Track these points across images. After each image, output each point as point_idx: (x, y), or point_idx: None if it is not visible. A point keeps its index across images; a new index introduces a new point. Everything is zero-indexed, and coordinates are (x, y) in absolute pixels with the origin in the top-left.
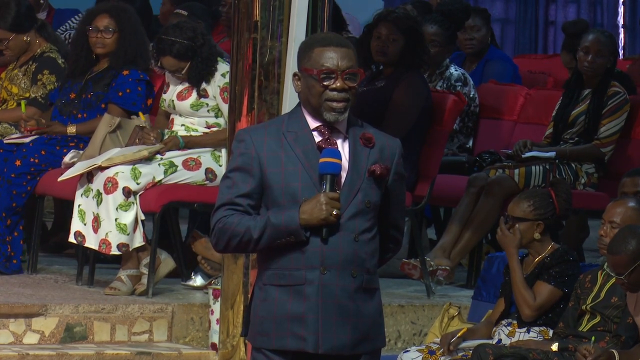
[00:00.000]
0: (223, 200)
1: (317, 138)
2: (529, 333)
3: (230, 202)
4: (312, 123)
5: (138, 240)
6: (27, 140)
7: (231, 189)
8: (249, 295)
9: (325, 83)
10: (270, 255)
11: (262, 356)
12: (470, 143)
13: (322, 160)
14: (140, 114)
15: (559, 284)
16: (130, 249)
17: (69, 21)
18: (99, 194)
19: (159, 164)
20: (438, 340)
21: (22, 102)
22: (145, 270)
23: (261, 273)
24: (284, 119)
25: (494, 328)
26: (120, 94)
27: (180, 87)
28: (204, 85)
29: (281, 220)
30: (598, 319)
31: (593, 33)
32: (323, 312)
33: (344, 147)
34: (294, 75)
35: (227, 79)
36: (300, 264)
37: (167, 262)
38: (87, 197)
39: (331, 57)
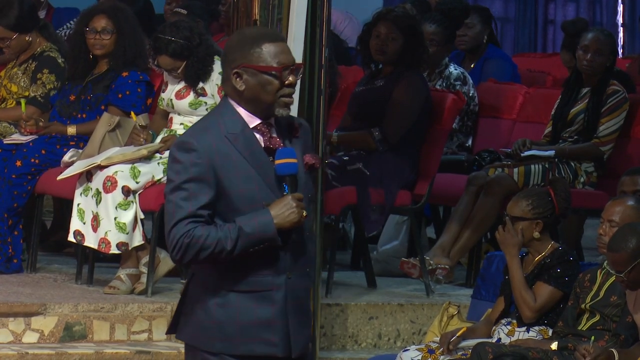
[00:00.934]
0: (183, 213)
1: (258, 137)
2: (528, 332)
3: (193, 214)
4: (251, 122)
5: (137, 239)
6: (26, 139)
7: (189, 201)
8: (184, 291)
9: (283, 79)
10: (230, 261)
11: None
12: (470, 142)
13: (279, 161)
14: (132, 113)
15: (560, 284)
16: (130, 248)
17: (69, 22)
18: (98, 193)
19: (158, 163)
20: (437, 339)
21: (22, 101)
22: (144, 269)
23: (214, 277)
24: (218, 121)
25: (494, 327)
26: (119, 95)
27: (178, 86)
28: (201, 84)
29: (255, 228)
30: (597, 317)
31: (592, 32)
32: (290, 315)
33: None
34: (234, 73)
35: None
36: (267, 270)
37: (166, 261)
38: (87, 196)
39: (284, 52)
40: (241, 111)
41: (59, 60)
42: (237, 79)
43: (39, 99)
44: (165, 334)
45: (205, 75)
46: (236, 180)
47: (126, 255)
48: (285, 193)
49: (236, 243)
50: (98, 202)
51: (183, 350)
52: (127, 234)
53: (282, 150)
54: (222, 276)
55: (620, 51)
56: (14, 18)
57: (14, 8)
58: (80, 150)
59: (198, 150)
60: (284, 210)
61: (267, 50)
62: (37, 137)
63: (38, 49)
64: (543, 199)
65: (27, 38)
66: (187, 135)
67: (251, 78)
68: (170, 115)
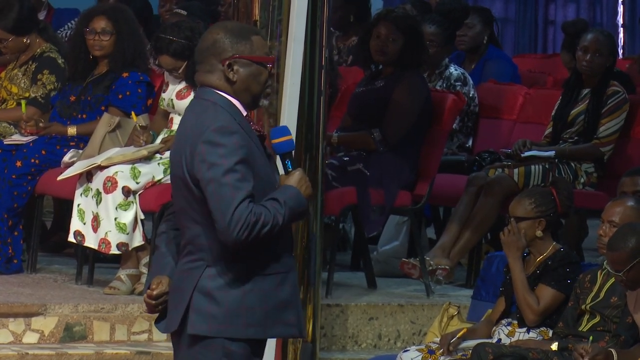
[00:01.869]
0: (243, 194)
1: None
2: (528, 333)
3: (250, 194)
4: (243, 112)
5: (137, 240)
6: (26, 140)
7: (244, 182)
8: (194, 286)
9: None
10: (256, 244)
11: (241, 348)
12: (470, 142)
13: (276, 140)
14: (133, 114)
15: (562, 287)
16: (130, 249)
17: (69, 23)
18: (98, 193)
19: (158, 163)
20: (437, 339)
21: (23, 102)
22: (144, 270)
23: (241, 263)
24: (222, 111)
25: (494, 327)
26: (120, 96)
27: (179, 87)
28: None
29: (294, 202)
30: (598, 319)
31: (592, 32)
32: (298, 295)
33: None
34: (229, 65)
35: None
36: (287, 251)
37: None
38: (87, 196)
39: (267, 44)
40: (234, 101)
41: (59, 61)
42: (230, 72)
43: (40, 99)
44: (167, 332)
45: None
46: (258, 164)
47: (126, 255)
48: (289, 169)
49: (284, 217)
50: (98, 202)
51: None
52: (127, 234)
53: (277, 129)
54: (249, 261)
55: (620, 52)
56: (12, 20)
57: (13, 10)
58: (81, 151)
59: (239, 133)
60: (302, 183)
61: (256, 42)
62: (37, 137)
63: (38, 50)
64: (546, 197)
65: (25, 40)
66: (222, 119)
67: (243, 69)
68: (171, 115)
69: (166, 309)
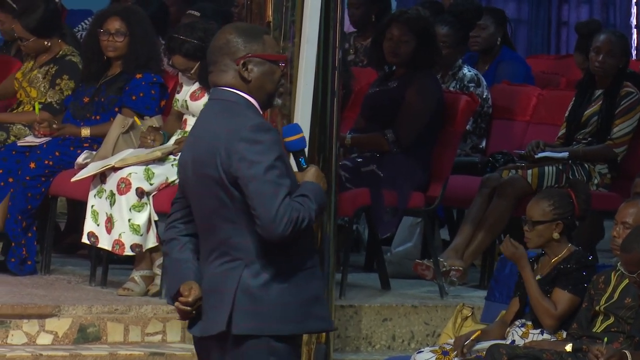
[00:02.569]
0: (285, 190)
1: None
2: (542, 334)
3: (290, 190)
4: (260, 111)
5: (151, 241)
6: (40, 141)
7: (284, 178)
8: (236, 286)
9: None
10: (292, 240)
11: (284, 344)
12: (483, 144)
13: (289, 139)
14: (136, 118)
15: (579, 291)
16: (144, 250)
17: (82, 23)
18: (112, 194)
19: (172, 165)
20: (451, 341)
21: (36, 104)
22: (158, 271)
23: (271, 259)
24: (246, 112)
25: (508, 329)
26: (133, 97)
27: (193, 88)
28: None
29: (320, 198)
30: (612, 320)
31: (604, 33)
32: (324, 290)
33: None
34: (244, 63)
35: None
36: (314, 246)
37: None
38: (100, 197)
39: (278, 44)
40: (252, 100)
41: (80, 66)
42: (244, 71)
43: (55, 105)
44: (206, 334)
45: None
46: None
47: (140, 256)
48: (304, 166)
49: (315, 212)
50: (112, 203)
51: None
52: (141, 235)
53: (288, 127)
54: (285, 257)
55: (633, 53)
56: (34, 21)
57: (37, 11)
58: (94, 152)
59: (274, 130)
60: (320, 180)
61: (268, 41)
62: (50, 138)
63: (60, 52)
64: (564, 199)
65: (45, 42)
66: (254, 119)
67: (257, 68)
68: (185, 116)
69: (198, 314)
